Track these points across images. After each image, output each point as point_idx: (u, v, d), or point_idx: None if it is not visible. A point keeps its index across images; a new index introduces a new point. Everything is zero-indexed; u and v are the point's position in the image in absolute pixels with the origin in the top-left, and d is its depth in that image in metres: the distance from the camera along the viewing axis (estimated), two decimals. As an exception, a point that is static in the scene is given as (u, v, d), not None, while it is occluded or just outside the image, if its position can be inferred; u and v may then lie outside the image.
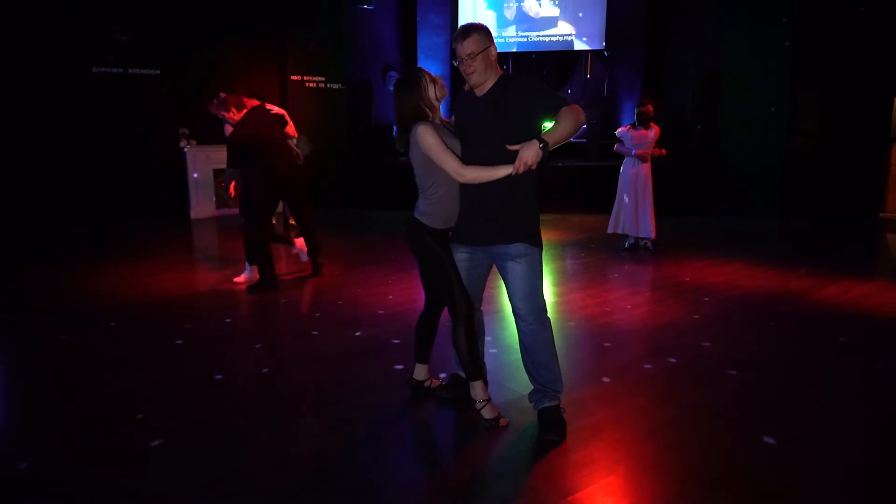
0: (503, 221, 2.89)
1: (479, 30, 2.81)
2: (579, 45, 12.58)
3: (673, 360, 3.85)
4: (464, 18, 12.70)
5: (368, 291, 5.50)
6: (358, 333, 4.38)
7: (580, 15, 12.47)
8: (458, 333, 2.98)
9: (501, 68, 2.96)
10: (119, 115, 9.22)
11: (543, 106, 2.79)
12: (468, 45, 2.76)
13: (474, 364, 3.01)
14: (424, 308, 3.27)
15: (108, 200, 9.28)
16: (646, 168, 7.11)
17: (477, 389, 3.03)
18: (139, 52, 9.26)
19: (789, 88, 9.67)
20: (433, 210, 2.95)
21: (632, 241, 7.28)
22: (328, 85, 11.06)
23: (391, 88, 12.52)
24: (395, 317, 4.76)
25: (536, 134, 2.78)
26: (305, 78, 10.89)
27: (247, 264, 5.76)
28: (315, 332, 4.43)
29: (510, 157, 2.71)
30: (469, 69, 2.79)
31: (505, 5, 12.71)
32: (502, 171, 2.71)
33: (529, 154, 2.64)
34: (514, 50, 12.83)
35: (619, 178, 7.30)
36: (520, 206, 2.91)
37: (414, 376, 3.35)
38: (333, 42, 10.94)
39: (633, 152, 7.07)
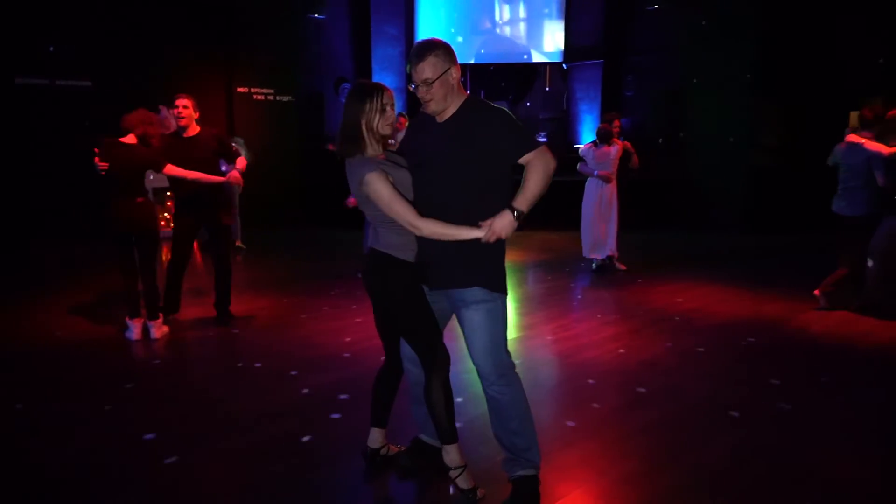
0: (462, 261, 2.46)
1: (436, 50, 2.38)
2: (538, 58, 12.35)
3: (662, 410, 3.46)
4: (421, 29, 12.33)
5: (321, 327, 4.98)
6: (305, 390, 3.85)
7: (538, 27, 12.25)
8: (435, 388, 2.54)
9: (464, 89, 2.55)
10: (47, 129, 8.47)
11: (514, 147, 2.42)
12: (424, 70, 2.35)
13: (451, 424, 2.58)
14: (386, 362, 2.80)
15: (36, 221, 8.49)
16: (610, 188, 6.80)
17: (452, 454, 2.59)
18: (69, 62, 8.54)
19: (752, 102, 9.59)
20: (405, 240, 2.51)
21: (599, 262, 6.96)
22: (277, 97, 10.52)
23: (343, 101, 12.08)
24: (349, 362, 4.26)
25: (502, 173, 2.46)
26: (253, 90, 10.32)
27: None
28: (253, 386, 3.90)
29: (473, 196, 2.41)
30: (426, 96, 2.39)
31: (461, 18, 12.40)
32: (468, 234, 2.35)
33: (503, 227, 2.34)
34: (472, 62, 12.52)
35: (584, 199, 6.98)
36: (481, 243, 2.48)
37: (368, 444, 2.86)
38: (283, 52, 10.41)
39: (596, 172, 6.75)
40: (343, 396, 3.64)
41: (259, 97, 10.36)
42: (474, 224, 2.38)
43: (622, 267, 7.04)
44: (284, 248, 8.84)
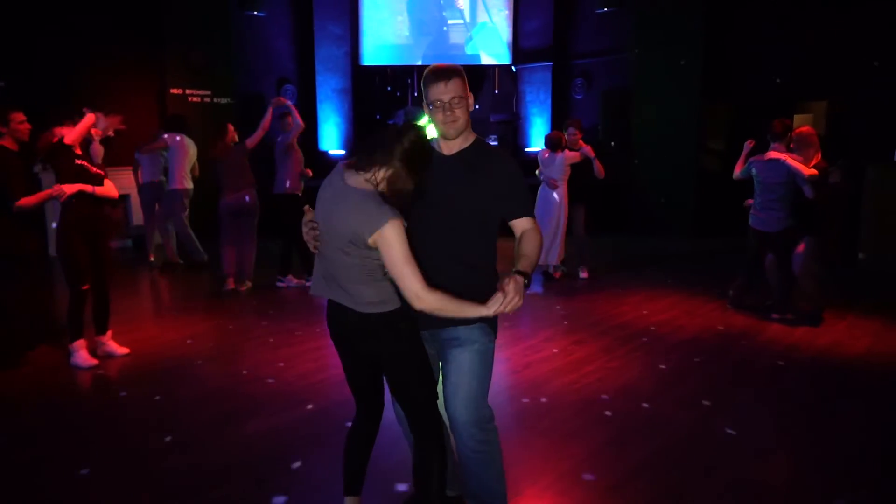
0: (464, 295, 2.14)
1: (461, 72, 2.30)
2: (486, 60, 12.13)
3: (650, 447, 3.20)
4: (367, 29, 11.91)
5: (261, 359, 4.53)
6: (249, 431, 3.44)
7: (486, 28, 12.02)
8: (435, 457, 2.23)
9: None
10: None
11: (515, 206, 2.28)
12: (455, 87, 2.23)
13: (443, 500, 2.25)
14: (357, 419, 2.41)
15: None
16: (558, 195, 6.76)
17: None
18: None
19: (699, 105, 9.61)
20: (390, 289, 2.13)
21: (549, 269, 6.92)
22: (214, 99, 9.88)
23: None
24: (289, 404, 3.86)
25: (489, 227, 2.30)
26: (188, 91, 9.66)
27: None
28: (173, 441, 3.45)
29: (484, 244, 2.31)
30: (452, 116, 2.23)
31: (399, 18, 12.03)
32: (477, 312, 2.03)
33: (517, 294, 2.00)
34: (419, 63, 12.18)
35: (536, 203, 6.86)
36: (481, 273, 2.30)
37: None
38: (219, 52, 9.80)
39: (542, 177, 6.81)
40: (296, 464, 3.24)
41: (195, 99, 9.70)
42: (466, 236, 2.24)
43: (585, 275, 6.95)
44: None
